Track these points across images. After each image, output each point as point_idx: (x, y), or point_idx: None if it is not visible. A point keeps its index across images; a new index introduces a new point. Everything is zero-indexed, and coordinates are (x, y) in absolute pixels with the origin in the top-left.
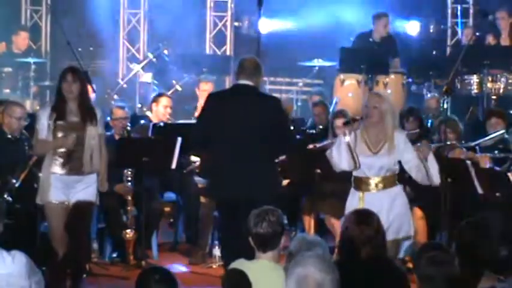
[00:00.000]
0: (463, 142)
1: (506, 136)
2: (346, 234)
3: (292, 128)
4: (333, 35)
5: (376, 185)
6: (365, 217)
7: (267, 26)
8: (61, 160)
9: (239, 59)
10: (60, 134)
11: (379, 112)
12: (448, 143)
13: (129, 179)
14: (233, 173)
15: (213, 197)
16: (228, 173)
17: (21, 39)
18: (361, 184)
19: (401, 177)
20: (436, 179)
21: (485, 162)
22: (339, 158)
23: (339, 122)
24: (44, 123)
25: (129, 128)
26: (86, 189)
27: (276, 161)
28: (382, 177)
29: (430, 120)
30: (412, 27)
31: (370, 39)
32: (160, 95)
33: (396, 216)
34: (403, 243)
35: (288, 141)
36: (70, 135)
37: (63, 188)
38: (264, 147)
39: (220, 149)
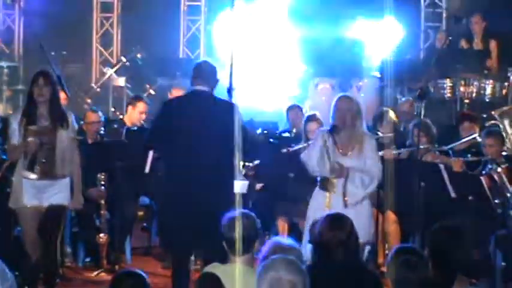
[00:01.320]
0: (437, 146)
1: (478, 140)
2: (319, 238)
3: (260, 131)
4: (307, 38)
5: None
6: (338, 221)
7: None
8: (31, 165)
9: (194, 63)
10: (30, 139)
11: (351, 115)
12: (422, 146)
13: (103, 183)
14: (190, 181)
15: (167, 208)
16: (185, 181)
17: None
18: (329, 185)
19: None
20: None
21: (459, 166)
22: (320, 162)
23: (312, 126)
24: (15, 128)
25: (102, 132)
26: (58, 194)
27: (249, 165)
28: None
29: (402, 124)
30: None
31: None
32: (138, 99)
33: (361, 220)
34: (364, 248)
35: (247, 144)
36: (32, 139)
37: (36, 192)
38: (222, 152)
39: (177, 156)
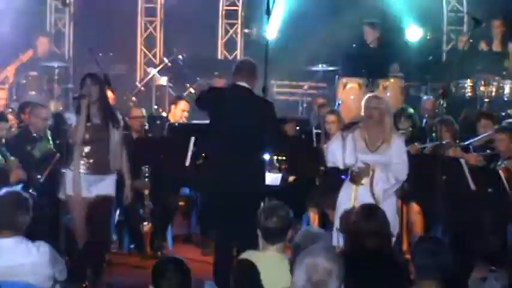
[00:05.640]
0: (458, 142)
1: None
2: (353, 227)
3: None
4: (336, 41)
5: None
6: (372, 212)
7: (273, 32)
8: (86, 160)
9: (237, 61)
10: (86, 136)
11: (380, 112)
12: (444, 142)
13: (146, 175)
14: (225, 167)
15: (204, 188)
16: (221, 166)
17: (42, 44)
18: (356, 178)
19: None
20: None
21: (474, 160)
22: (342, 154)
23: (330, 118)
24: (72, 121)
25: (146, 127)
26: (106, 186)
27: (282, 159)
28: None
29: (425, 120)
30: (412, 33)
31: (371, 46)
32: (180, 98)
33: (387, 213)
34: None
35: (277, 141)
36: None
37: (87, 185)
38: (254, 145)
39: (215, 144)
